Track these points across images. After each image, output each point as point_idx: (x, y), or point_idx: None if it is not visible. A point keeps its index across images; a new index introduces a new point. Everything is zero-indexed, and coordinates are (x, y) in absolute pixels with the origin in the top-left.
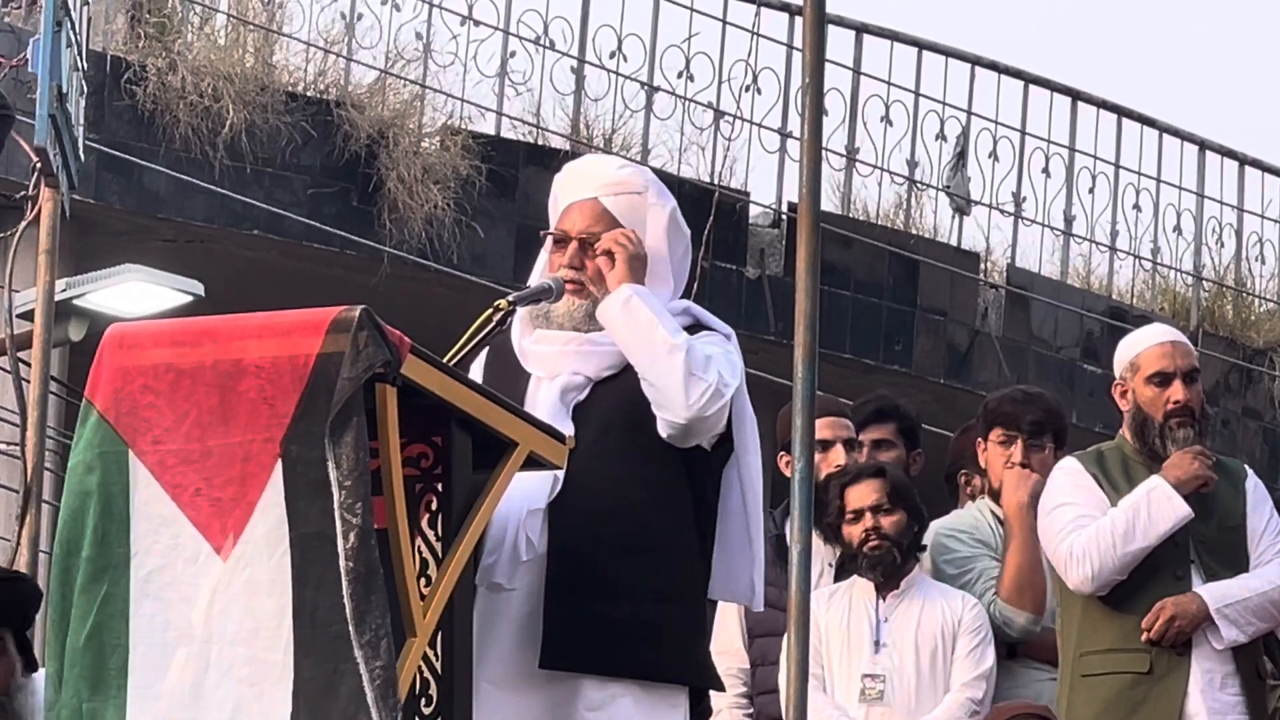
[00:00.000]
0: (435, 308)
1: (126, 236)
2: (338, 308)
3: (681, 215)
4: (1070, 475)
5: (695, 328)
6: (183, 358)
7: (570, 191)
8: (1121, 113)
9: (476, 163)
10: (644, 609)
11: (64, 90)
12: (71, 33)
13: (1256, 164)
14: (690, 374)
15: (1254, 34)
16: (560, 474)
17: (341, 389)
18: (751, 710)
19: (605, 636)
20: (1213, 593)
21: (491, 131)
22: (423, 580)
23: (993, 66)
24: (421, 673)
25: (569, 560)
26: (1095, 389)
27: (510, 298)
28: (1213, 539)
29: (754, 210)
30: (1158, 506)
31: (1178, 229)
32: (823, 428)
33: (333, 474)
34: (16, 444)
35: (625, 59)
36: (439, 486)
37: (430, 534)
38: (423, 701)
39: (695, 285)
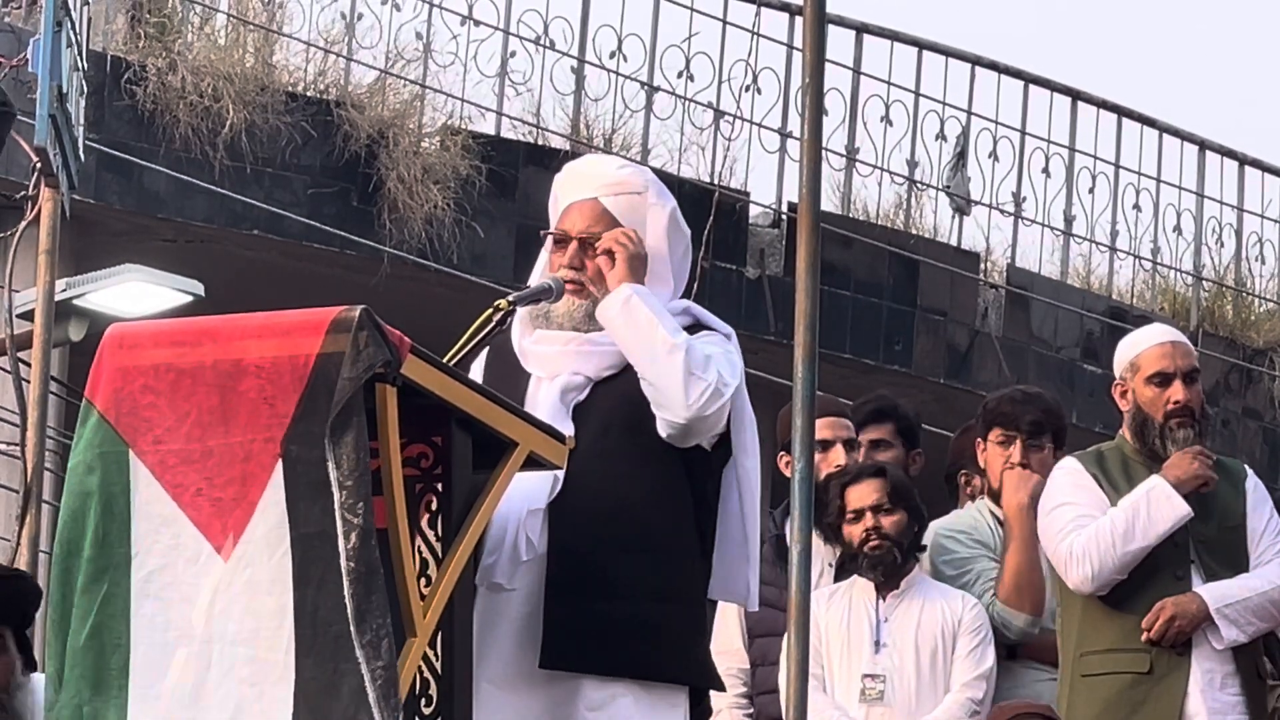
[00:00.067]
0: (435, 308)
1: (126, 236)
2: (338, 308)
3: (681, 215)
4: (1070, 475)
5: (695, 327)
6: (183, 358)
7: (570, 192)
8: (1121, 113)
9: (476, 163)
10: (644, 609)
11: (64, 90)
12: (71, 33)
13: (1256, 164)
14: (690, 373)
15: (1254, 34)
16: (560, 474)
17: (342, 389)
18: (751, 710)
19: (605, 636)
20: (1213, 593)
21: (491, 131)
22: (423, 580)
23: (993, 66)
24: (421, 673)
25: (569, 560)
26: (1095, 389)
27: (510, 298)
28: (1213, 539)
29: (754, 210)
30: (1157, 506)
31: (1178, 229)
32: (823, 428)
33: (333, 474)
34: (16, 444)
35: (625, 59)
36: (439, 486)
37: (430, 534)
38: (423, 701)
39: (695, 285)
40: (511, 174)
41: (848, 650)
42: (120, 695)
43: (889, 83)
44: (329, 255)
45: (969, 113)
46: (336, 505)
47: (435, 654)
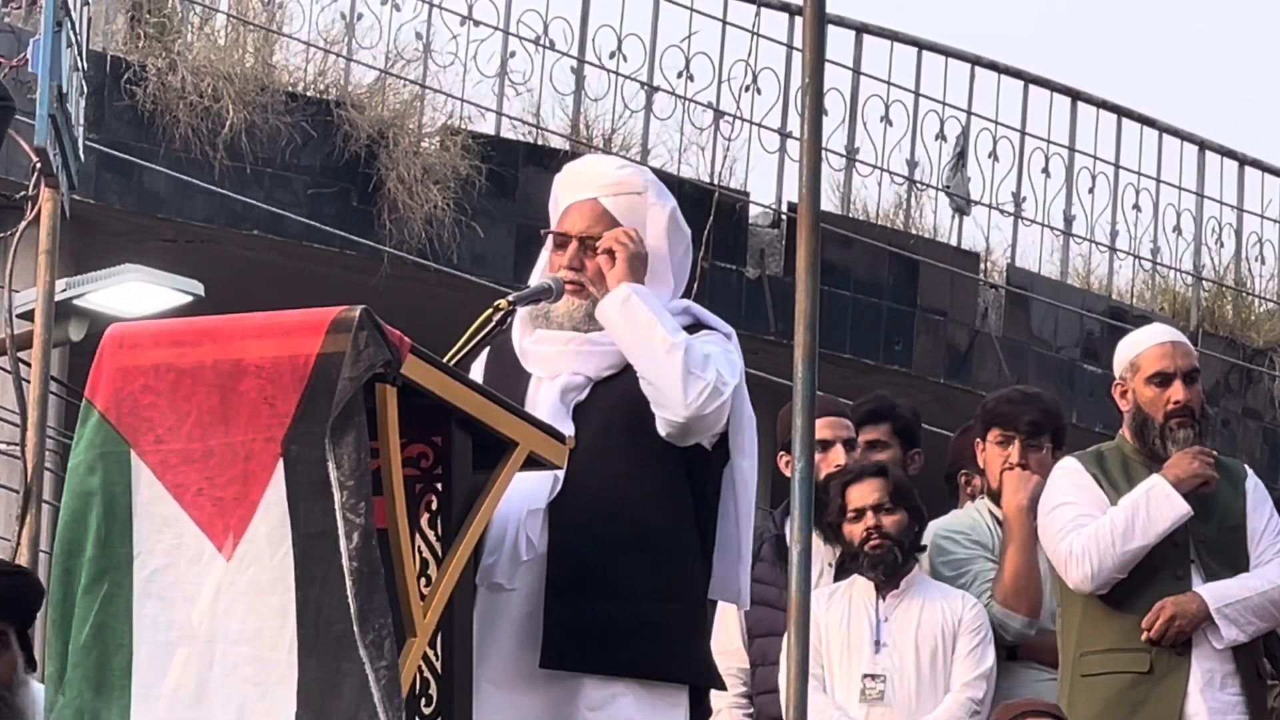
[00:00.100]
0: (435, 308)
1: (126, 236)
2: (338, 308)
3: (681, 215)
4: (1070, 475)
5: (695, 327)
6: (183, 358)
7: (570, 192)
8: (1121, 113)
9: (476, 163)
10: (644, 608)
11: (64, 90)
12: (71, 33)
13: (1256, 164)
14: (689, 372)
15: (1254, 34)
16: (560, 474)
17: (342, 389)
18: (751, 710)
19: (605, 636)
20: (1213, 592)
21: (491, 131)
22: (423, 580)
23: (993, 66)
24: (421, 673)
25: (569, 560)
26: (1095, 389)
27: (510, 298)
28: (1213, 539)
29: (754, 210)
30: (1157, 505)
31: (1178, 229)
32: (822, 428)
33: (333, 474)
34: (16, 444)
35: (625, 59)
36: (439, 486)
37: (430, 534)
38: (423, 701)
39: (695, 285)
40: (511, 174)
41: (848, 650)
42: (123, 696)
43: (889, 83)
44: (329, 255)
45: (969, 113)
46: (338, 505)
47: (435, 654)
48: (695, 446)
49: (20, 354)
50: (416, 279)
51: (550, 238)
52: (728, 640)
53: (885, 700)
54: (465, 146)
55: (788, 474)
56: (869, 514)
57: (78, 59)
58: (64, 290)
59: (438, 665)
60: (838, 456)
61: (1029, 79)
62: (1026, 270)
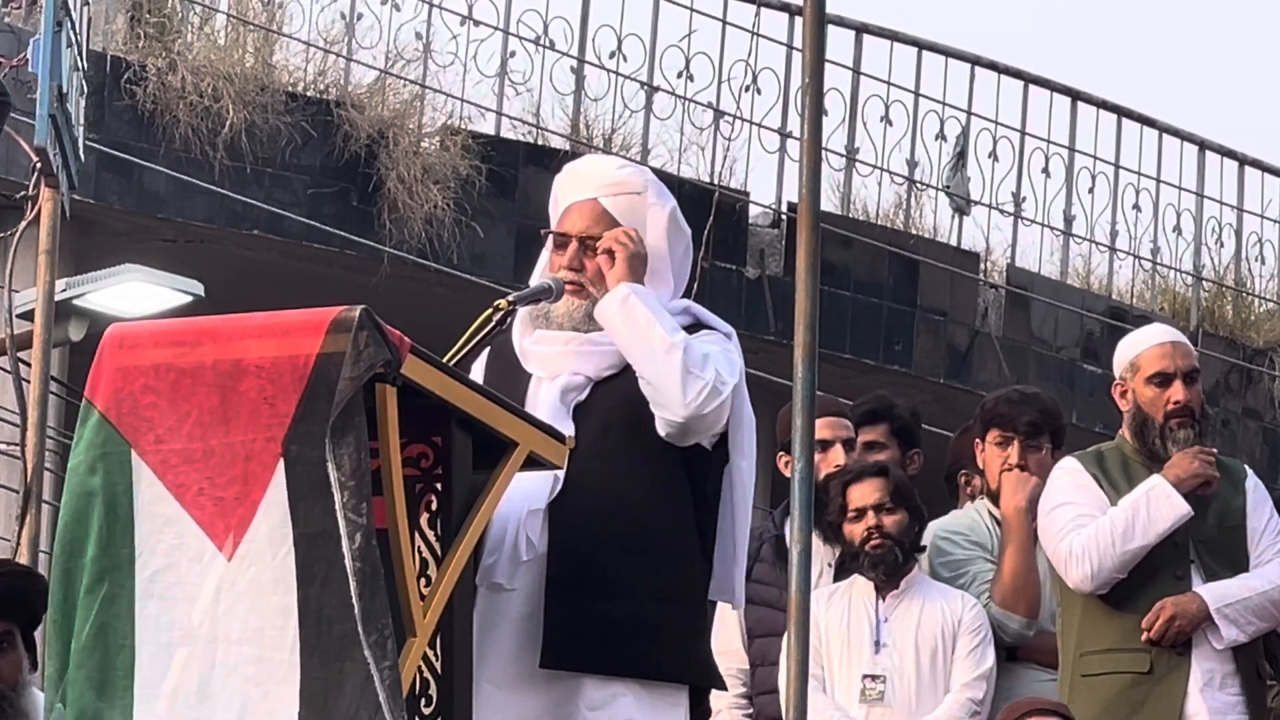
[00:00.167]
0: (435, 308)
1: (126, 236)
2: (338, 308)
3: (681, 215)
4: (1070, 475)
5: (695, 327)
6: (183, 358)
7: (570, 192)
8: (1121, 113)
9: (476, 163)
10: (644, 608)
11: (64, 90)
12: (71, 33)
13: (1256, 164)
14: (687, 372)
15: (1254, 34)
16: (560, 474)
17: (342, 389)
18: (751, 710)
19: (606, 636)
20: (1213, 592)
21: (491, 131)
22: (423, 580)
23: (992, 66)
24: (421, 673)
25: (569, 560)
26: (1095, 389)
27: (510, 298)
28: (1213, 539)
29: (754, 210)
30: (1157, 505)
31: (1178, 229)
32: (822, 428)
33: (334, 474)
34: (16, 444)
35: (625, 59)
36: (439, 486)
37: (430, 534)
38: (423, 702)
39: (695, 285)
40: (511, 174)
41: (848, 650)
42: (125, 696)
43: (889, 83)
44: (329, 255)
45: (969, 113)
46: (339, 505)
47: (435, 654)
48: (695, 446)
49: (20, 354)
50: (416, 279)
51: (550, 238)
52: (727, 640)
53: (885, 700)
54: (465, 146)
55: (787, 474)
56: (870, 514)
57: (78, 59)
58: (64, 290)
59: (438, 665)
60: (837, 456)
61: (1029, 79)
62: (1026, 270)
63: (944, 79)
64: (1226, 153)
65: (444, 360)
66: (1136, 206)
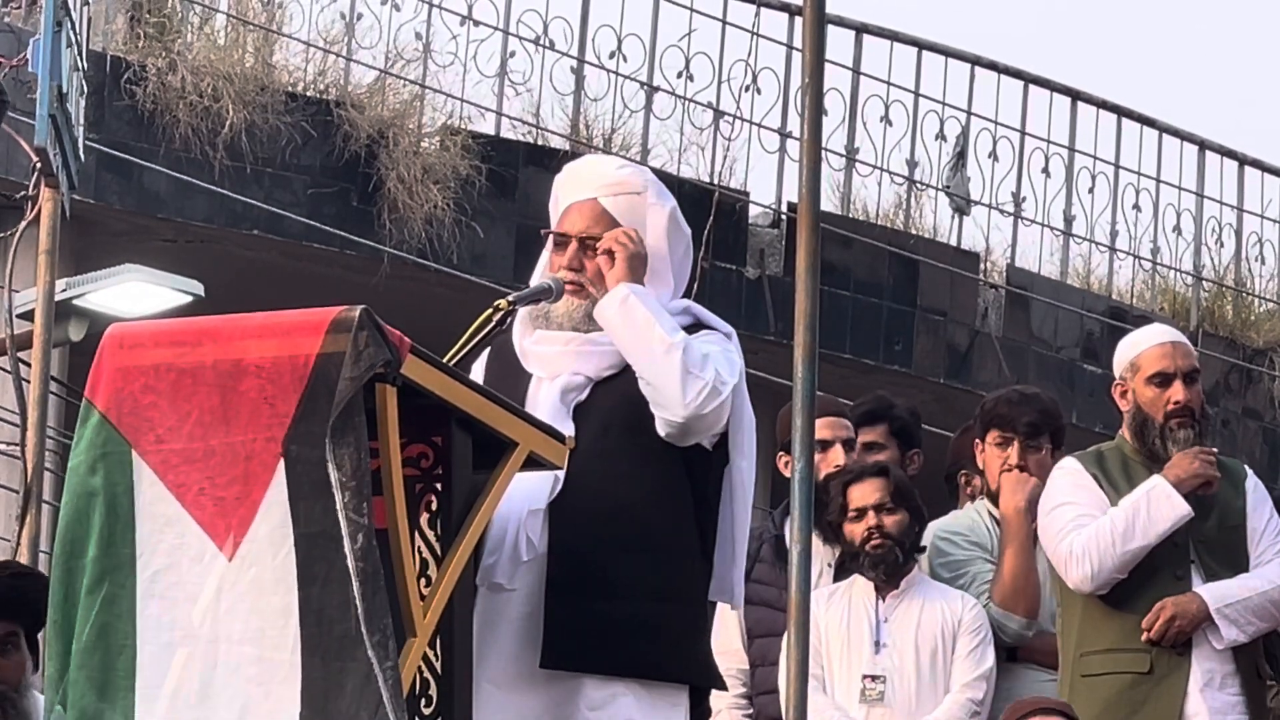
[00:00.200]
0: (435, 308)
1: (126, 236)
2: (338, 308)
3: (681, 215)
4: (1070, 475)
5: (695, 327)
6: (183, 358)
7: (570, 192)
8: (1121, 113)
9: (476, 163)
10: (644, 608)
11: (64, 90)
12: (71, 33)
13: (1256, 164)
14: (687, 372)
15: (1254, 34)
16: (560, 474)
17: (342, 389)
18: (751, 711)
19: (606, 636)
20: (1213, 592)
21: (491, 131)
22: (423, 580)
23: (992, 66)
24: (421, 673)
25: (569, 560)
26: (1095, 389)
27: (510, 298)
28: (1213, 539)
29: (754, 210)
30: (1157, 505)
31: (1178, 229)
32: (822, 428)
33: (335, 475)
34: (16, 444)
35: (625, 59)
36: (439, 486)
37: (430, 534)
38: (423, 702)
39: (695, 285)
40: (511, 174)
41: (848, 650)
42: (127, 696)
43: (889, 83)
44: (329, 255)
45: (969, 113)
46: (341, 505)
47: (435, 654)
48: (695, 446)
49: (20, 354)
50: (416, 279)
51: (550, 238)
52: (727, 640)
53: (885, 701)
54: (465, 146)
55: (787, 474)
56: (870, 514)
57: (78, 59)
58: (64, 290)
59: (438, 665)
60: (837, 456)
61: (1029, 79)
62: (1026, 270)
63: (944, 79)
64: (1226, 153)
65: (444, 360)
66: (1136, 206)
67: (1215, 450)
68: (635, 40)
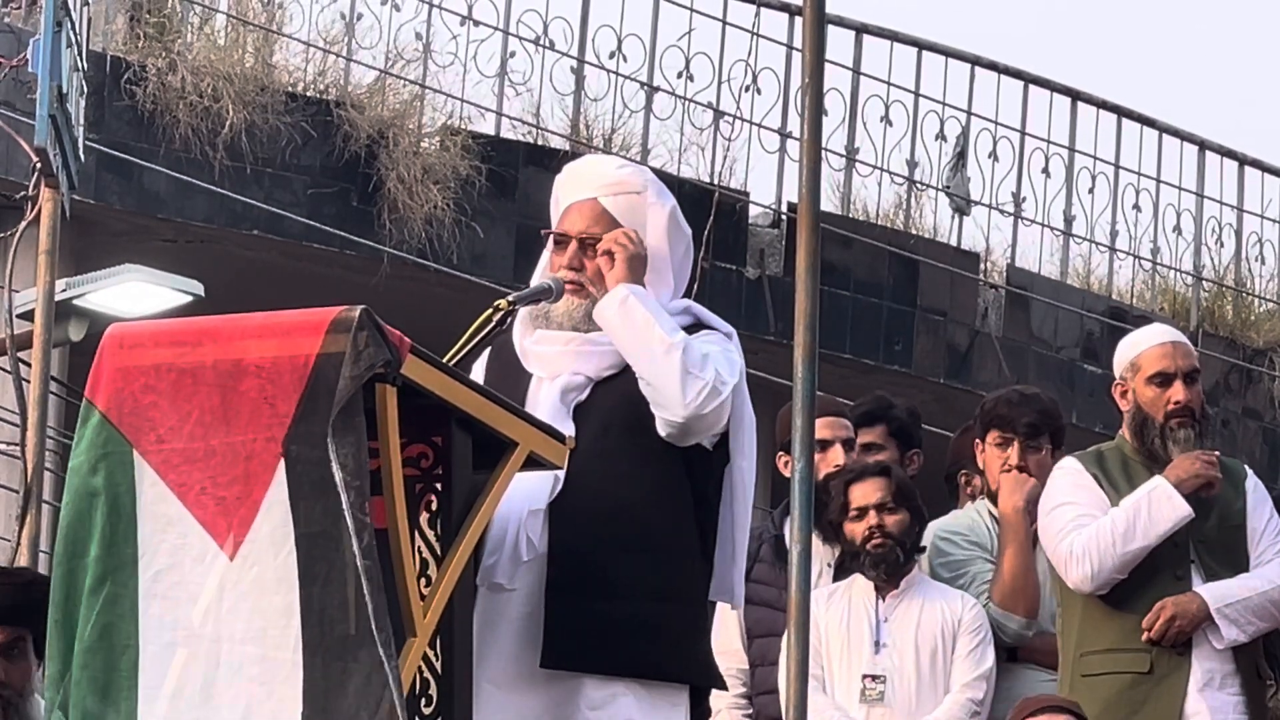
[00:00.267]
0: (435, 308)
1: (126, 236)
2: (337, 308)
3: (681, 215)
4: (1070, 475)
5: (696, 327)
6: (183, 358)
7: (570, 192)
8: (1121, 113)
9: (476, 163)
10: (644, 608)
11: (64, 90)
12: (71, 33)
13: (1256, 164)
14: (687, 372)
15: (1254, 34)
16: (561, 474)
17: (342, 389)
18: (751, 711)
19: (606, 636)
20: (1213, 592)
21: (491, 131)
22: (423, 580)
23: (992, 66)
24: (421, 673)
25: (570, 560)
26: (1095, 389)
27: (510, 298)
28: (1213, 539)
29: (754, 210)
30: (1158, 506)
31: (1178, 229)
32: (822, 428)
33: (337, 475)
34: (16, 444)
35: (625, 59)
36: (439, 486)
37: (430, 534)
38: (423, 702)
39: (695, 285)
40: (511, 174)
41: (848, 650)
42: (130, 696)
43: (889, 83)
44: (329, 255)
45: (969, 113)
46: (345, 505)
47: (435, 654)
48: (695, 446)
49: (20, 354)
50: (416, 279)
51: (550, 238)
52: (727, 640)
53: (885, 701)
54: (465, 146)
55: (787, 474)
56: (871, 513)
57: (78, 59)
58: (64, 290)
59: (438, 665)
60: (837, 456)
61: (1029, 79)
62: (1026, 270)
63: (944, 79)
64: (1226, 153)
65: (444, 360)
66: (1136, 206)
67: (1217, 452)
68: (635, 40)
